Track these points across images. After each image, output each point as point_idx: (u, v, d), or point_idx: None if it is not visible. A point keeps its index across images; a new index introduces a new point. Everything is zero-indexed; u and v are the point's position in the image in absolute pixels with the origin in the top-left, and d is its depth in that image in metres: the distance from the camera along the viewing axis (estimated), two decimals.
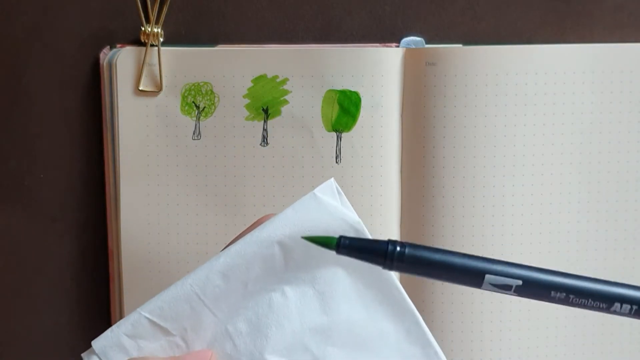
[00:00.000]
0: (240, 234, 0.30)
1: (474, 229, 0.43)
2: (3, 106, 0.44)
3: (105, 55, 0.43)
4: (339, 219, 0.29)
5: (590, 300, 0.25)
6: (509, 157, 0.43)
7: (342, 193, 0.30)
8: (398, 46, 0.43)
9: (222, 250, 0.30)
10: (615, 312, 0.25)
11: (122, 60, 0.42)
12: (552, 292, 0.25)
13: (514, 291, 0.26)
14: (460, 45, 0.43)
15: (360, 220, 0.29)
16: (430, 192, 0.43)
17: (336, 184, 0.30)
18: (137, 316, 0.28)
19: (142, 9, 0.42)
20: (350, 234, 0.28)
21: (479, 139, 0.42)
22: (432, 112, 0.42)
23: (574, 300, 0.25)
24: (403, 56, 0.43)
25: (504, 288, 0.26)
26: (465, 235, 0.43)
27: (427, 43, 0.43)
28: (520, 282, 0.26)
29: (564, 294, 0.25)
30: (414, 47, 0.43)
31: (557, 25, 0.44)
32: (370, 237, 0.28)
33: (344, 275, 0.29)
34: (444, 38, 0.44)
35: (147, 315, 0.28)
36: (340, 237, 0.27)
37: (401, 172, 0.43)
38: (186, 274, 0.29)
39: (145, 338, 0.28)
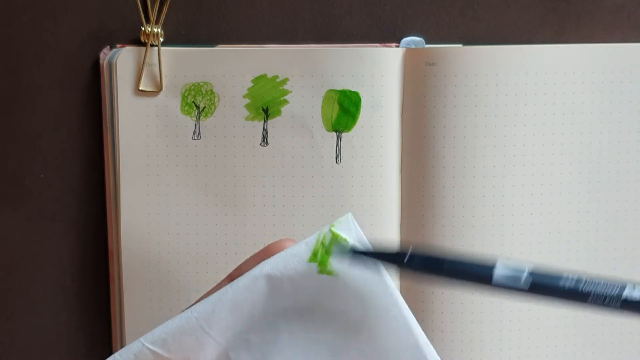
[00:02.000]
0: (250, 258, 0.30)
1: (474, 229, 0.43)
2: (3, 106, 0.44)
3: (105, 55, 0.43)
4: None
5: (602, 283, 0.25)
6: (509, 157, 0.43)
7: (359, 228, 0.29)
8: (398, 46, 0.43)
9: (229, 275, 0.30)
10: (627, 301, 0.25)
11: (122, 60, 0.42)
12: (563, 279, 0.25)
13: (528, 274, 0.26)
14: (460, 45, 0.43)
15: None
16: (430, 192, 0.43)
17: (353, 219, 0.29)
18: (140, 346, 0.28)
19: (142, 9, 0.42)
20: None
21: (479, 139, 0.42)
22: (432, 112, 0.42)
23: (585, 285, 0.25)
24: (403, 56, 0.43)
25: (515, 280, 0.26)
26: (466, 235, 0.43)
27: (427, 43, 0.43)
28: (532, 265, 0.26)
29: (575, 280, 0.25)
30: (414, 47, 0.43)
31: (557, 25, 0.44)
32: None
33: (356, 321, 0.29)
34: (444, 38, 0.44)
35: (150, 347, 0.28)
36: (351, 249, 0.28)
37: (401, 172, 0.43)
38: (190, 306, 0.29)
39: None
